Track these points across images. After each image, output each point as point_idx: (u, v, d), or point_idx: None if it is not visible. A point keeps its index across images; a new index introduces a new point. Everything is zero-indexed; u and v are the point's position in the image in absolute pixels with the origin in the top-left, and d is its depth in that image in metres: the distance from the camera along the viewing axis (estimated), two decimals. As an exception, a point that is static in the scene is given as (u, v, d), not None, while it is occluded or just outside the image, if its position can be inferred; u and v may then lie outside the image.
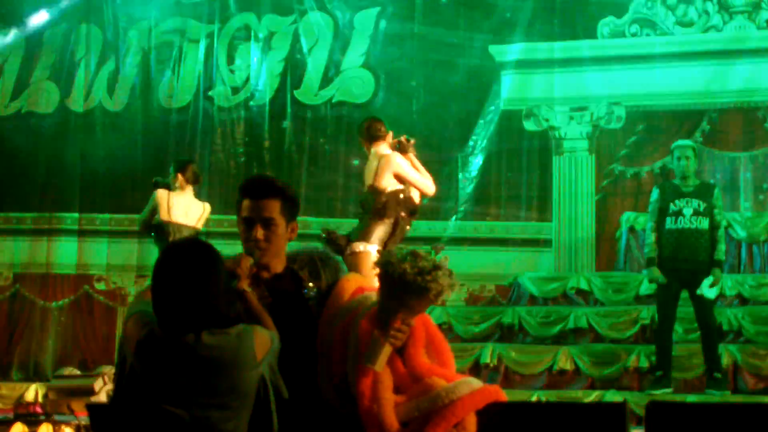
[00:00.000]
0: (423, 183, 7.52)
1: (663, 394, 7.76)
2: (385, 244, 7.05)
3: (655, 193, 8.17)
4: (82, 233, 11.28)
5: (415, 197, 7.49)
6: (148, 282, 10.97)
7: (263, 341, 3.26)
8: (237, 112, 11.45)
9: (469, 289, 10.68)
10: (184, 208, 8.44)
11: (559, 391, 8.53)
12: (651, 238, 8.05)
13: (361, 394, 3.51)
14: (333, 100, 11.36)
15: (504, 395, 3.70)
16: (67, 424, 7.46)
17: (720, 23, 10.77)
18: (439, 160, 11.05)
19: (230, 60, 11.53)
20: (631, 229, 10.35)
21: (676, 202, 7.93)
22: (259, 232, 3.61)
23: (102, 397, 8.41)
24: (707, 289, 7.81)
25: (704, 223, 7.87)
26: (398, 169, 7.41)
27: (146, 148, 11.33)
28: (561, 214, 10.86)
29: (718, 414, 3.75)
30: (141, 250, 11.19)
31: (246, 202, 3.65)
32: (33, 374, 10.81)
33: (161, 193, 8.39)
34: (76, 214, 11.30)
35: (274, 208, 3.64)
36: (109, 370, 8.88)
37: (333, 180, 11.32)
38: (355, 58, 11.42)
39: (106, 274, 11.25)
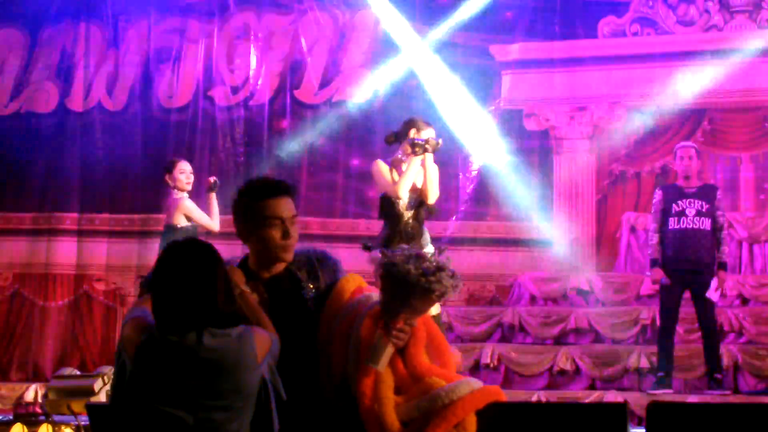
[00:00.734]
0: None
1: (664, 394, 7.76)
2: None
3: (657, 195, 8.18)
4: (81, 233, 11.27)
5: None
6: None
7: (263, 342, 3.26)
8: (237, 112, 11.44)
9: (469, 289, 10.67)
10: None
11: (559, 391, 8.53)
12: (654, 239, 8.07)
13: (362, 393, 3.51)
14: (333, 100, 11.35)
15: (504, 395, 3.70)
16: (67, 424, 7.45)
17: (721, 23, 10.76)
18: (439, 161, 11.03)
19: (230, 60, 11.52)
20: (632, 229, 10.35)
21: (679, 202, 7.95)
22: (293, 230, 3.64)
23: (102, 398, 8.40)
24: (712, 292, 7.82)
25: (707, 224, 7.89)
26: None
27: (146, 148, 11.31)
28: (561, 214, 10.86)
29: (719, 414, 3.75)
30: (141, 250, 11.18)
31: (269, 202, 3.64)
32: (33, 374, 10.79)
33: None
34: (76, 214, 11.29)
35: (293, 206, 3.69)
36: (109, 370, 8.87)
37: (333, 180, 11.31)
38: (355, 58, 11.41)
39: (105, 274, 11.24)
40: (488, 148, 10.99)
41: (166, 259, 3.26)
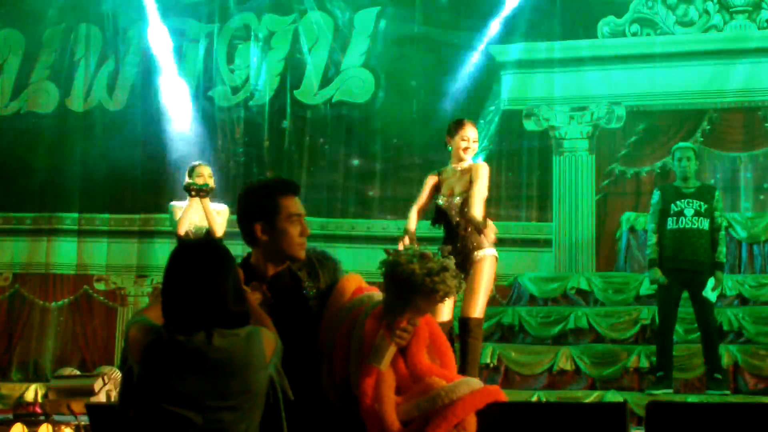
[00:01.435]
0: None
1: (663, 394, 7.76)
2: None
3: (656, 195, 8.19)
4: (81, 233, 11.27)
5: None
6: (148, 282, 11.03)
7: (270, 342, 3.26)
8: (237, 112, 11.45)
9: (469, 289, 10.65)
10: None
11: (559, 391, 8.53)
12: (652, 239, 8.07)
13: (363, 392, 3.51)
14: (333, 100, 11.35)
15: (504, 395, 3.70)
16: (67, 424, 7.45)
17: (720, 23, 10.76)
18: (439, 161, 11.03)
19: (230, 60, 11.53)
20: (631, 229, 10.34)
21: (677, 202, 7.96)
22: (306, 228, 3.71)
23: (102, 398, 8.40)
24: (709, 292, 7.83)
25: (705, 224, 7.89)
26: None
27: (146, 148, 11.32)
28: (561, 214, 10.86)
29: (718, 414, 3.75)
30: (141, 250, 11.20)
31: (290, 200, 3.69)
32: (33, 374, 10.80)
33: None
34: (76, 214, 11.29)
35: None
36: (109, 370, 8.88)
37: (333, 180, 11.31)
38: (355, 58, 11.41)
39: (105, 274, 11.24)
40: (488, 149, 10.99)
41: (177, 259, 3.26)
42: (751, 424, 3.62)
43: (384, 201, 11.16)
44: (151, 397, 3.11)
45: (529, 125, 11.02)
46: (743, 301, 9.38)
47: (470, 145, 6.80)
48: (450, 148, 6.84)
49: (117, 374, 8.71)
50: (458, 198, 6.66)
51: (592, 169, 10.90)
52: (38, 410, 8.92)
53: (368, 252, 10.11)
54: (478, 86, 11.08)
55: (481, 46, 11.11)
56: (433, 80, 11.19)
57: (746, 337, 8.82)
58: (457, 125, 6.89)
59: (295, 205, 3.70)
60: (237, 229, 3.79)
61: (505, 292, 10.38)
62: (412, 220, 6.78)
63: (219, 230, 8.13)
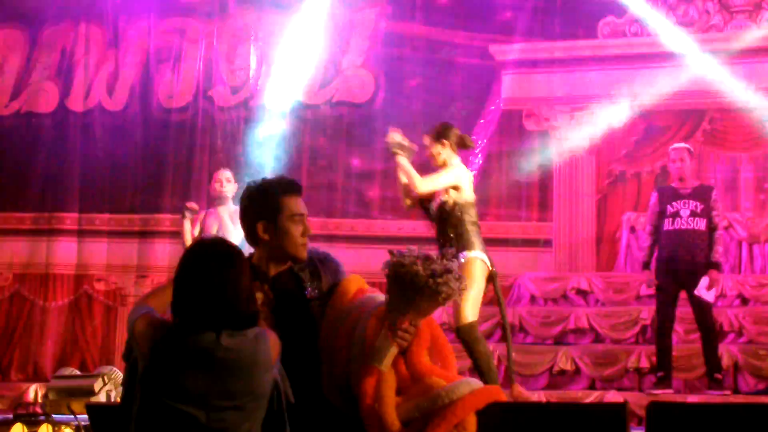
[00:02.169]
0: None
1: (664, 394, 7.76)
2: None
3: (653, 197, 8.23)
4: (81, 233, 11.27)
5: None
6: (148, 282, 11.01)
7: (276, 344, 3.27)
8: (237, 112, 11.45)
9: (469, 289, 10.66)
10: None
11: (559, 391, 8.53)
12: (647, 241, 8.13)
13: (363, 393, 3.51)
14: (333, 100, 11.35)
15: (504, 395, 3.70)
16: (67, 424, 7.45)
17: (721, 23, 10.76)
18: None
19: (230, 60, 11.53)
20: (632, 229, 10.35)
21: (674, 203, 7.98)
22: (309, 227, 3.72)
23: (102, 398, 8.40)
24: (705, 292, 7.82)
25: (701, 224, 7.91)
26: None
27: (146, 148, 11.32)
28: (561, 214, 10.86)
29: (719, 414, 3.75)
30: (141, 250, 11.19)
31: (294, 199, 3.71)
32: (33, 374, 10.79)
33: None
34: (76, 214, 11.29)
35: None
36: (109, 370, 8.87)
37: (333, 180, 11.31)
38: (355, 58, 11.41)
39: (105, 274, 11.24)
40: (488, 149, 10.99)
41: (192, 257, 3.25)
42: (751, 424, 3.62)
43: (384, 201, 11.16)
44: (156, 392, 3.11)
45: (529, 125, 11.02)
46: (743, 301, 9.39)
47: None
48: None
49: (117, 374, 8.71)
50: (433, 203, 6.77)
51: (592, 169, 10.90)
52: (38, 410, 8.92)
53: (368, 252, 10.10)
54: (478, 86, 11.08)
55: (482, 47, 11.10)
56: (433, 80, 11.19)
57: (747, 338, 8.82)
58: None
59: (297, 204, 3.71)
60: None
61: (505, 292, 10.37)
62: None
63: (236, 237, 8.14)
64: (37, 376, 10.61)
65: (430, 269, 3.54)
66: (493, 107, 11.06)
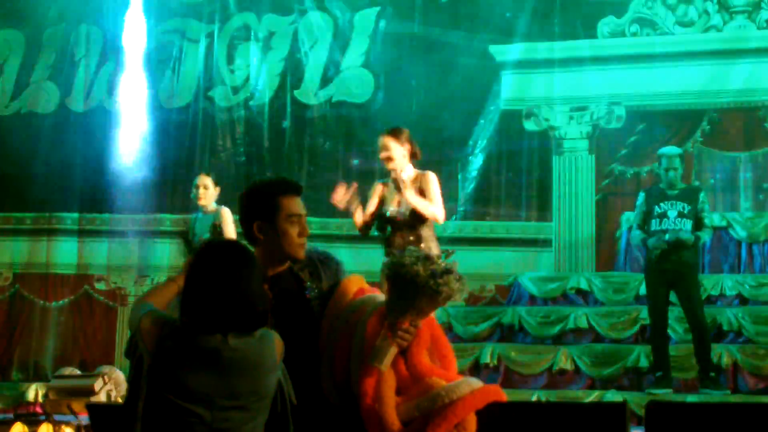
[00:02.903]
0: None
1: (663, 394, 7.77)
2: None
3: (641, 197, 8.30)
4: (82, 233, 11.27)
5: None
6: (148, 282, 11.02)
7: (280, 345, 3.28)
8: (237, 112, 11.45)
9: (469, 289, 10.67)
10: None
11: (559, 391, 8.53)
12: (637, 239, 8.18)
13: (364, 392, 3.52)
14: (333, 100, 11.36)
15: (504, 395, 3.71)
16: (67, 424, 7.45)
17: (720, 23, 10.76)
18: (439, 160, 11.03)
19: (230, 60, 11.53)
20: (631, 229, 10.34)
21: (661, 204, 8.03)
22: (307, 229, 3.73)
23: (102, 397, 8.40)
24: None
25: (688, 225, 7.94)
26: None
27: (146, 148, 11.31)
28: (561, 214, 10.85)
29: (718, 414, 3.75)
30: (141, 250, 11.20)
31: (291, 199, 3.71)
32: (33, 374, 10.80)
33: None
34: (76, 214, 11.29)
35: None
36: (109, 370, 8.88)
37: (333, 180, 11.29)
38: (355, 58, 11.41)
39: (106, 274, 11.24)
40: (488, 149, 10.99)
41: (204, 258, 3.25)
42: (751, 424, 3.62)
43: (384, 201, 11.15)
44: (161, 390, 3.12)
45: (529, 125, 11.02)
46: (743, 301, 9.39)
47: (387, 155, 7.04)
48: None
49: (117, 374, 8.72)
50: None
51: (592, 169, 10.89)
52: (38, 410, 8.93)
53: (368, 252, 10.09)
54: (478, 86, 11.07)
55: (481, 47, 11.10)
56: (433, 80, 11.19)
57: (746, 337, 8.82)
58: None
59: (295, 205, 3.71)
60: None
61: (505, 292, 10.39)
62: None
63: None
64: (37, 376, 10.61)
65: (430, 269, 3.56)
66: (493, 107, 11.06)
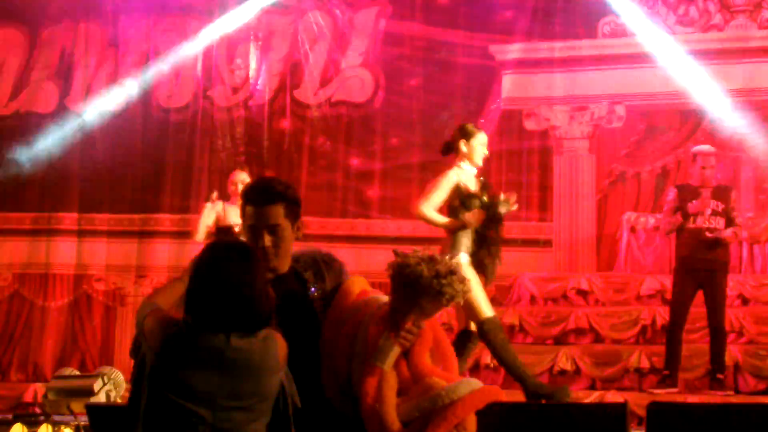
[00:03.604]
0: None
1: (667, 393, 7.77)
2: None
3: (671, 193, 8.26)
4: (81, 233, 11.26)
5: None
6: (147, 282, 11.01)
7: (283, 346, 3.27)
8: (237, 112, 11.44)
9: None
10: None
11: (560, 392, 8.52)
12: (672, 225, 8.08)
13: (365, 392, 3.52)
14: (332, 100, 11.35)
15: (504, 395, 3.70)
16: (67, 424, 7.45)
17: (720, 23, 10.75)
18: (439, 160, 11.01)
19: (230, 60, 11.52)
20: (632, 229, 10.34)
21: (695, 202, 7.97)
22: (267, 239, 3.61)
23: (102, 398, 8.40)
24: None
25: (721, 224, 7.93)
26: None
27: (146, 148, 11.31)
28: (561, 214, 10.85)
29: (719, 414, 3.74)
30: (141, 250, 11.19)
31: (249, 210, 3.64)
32: (32, 374, 10.79)
33: None
34: (76, 214, 11.28)
35: (278, 214, 3.62)
36: (109, 370, 8.87)
37: (333, 180, 11.30)
38: (355, 58, 11.41)
39: (105, 274, 11.23)
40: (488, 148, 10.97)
41: (208, 257, 3.23)
42: (751, 424, 3.62)
43: (384, 201, 11.16)
44: (164, 389, 3.11)
45: (529, 125, 11.01)
46: (744, 301, 9.38)
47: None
48: (466, 150, 6.72)
49: (117, 374, 8.72)
50: None
51: (592, 169, 10.89)
52: (38, 410, 8.92)
53: (368, 252, 10.10)
54: (478, 86, 11.07)
55: (482, 47, 11.09)
56: (433, 80, 11.18)
57: (747, 338, 8.82)
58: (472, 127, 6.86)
59: (252, 214, 3.63)
60: None
61: (505, 292, 10.38)
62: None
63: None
64: (37, 376, 10.61)
65: (434, 270, 3.55)
66: (493, 107, 11.05)
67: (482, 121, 11.01)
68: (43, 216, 11.28)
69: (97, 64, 11.58)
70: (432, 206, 6.55)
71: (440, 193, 6.57)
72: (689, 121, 10.74)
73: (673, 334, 8.06)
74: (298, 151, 11.31)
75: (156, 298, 3.41)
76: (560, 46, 10.99)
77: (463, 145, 6.71)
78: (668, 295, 8.59)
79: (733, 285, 9.30)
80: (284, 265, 3.71)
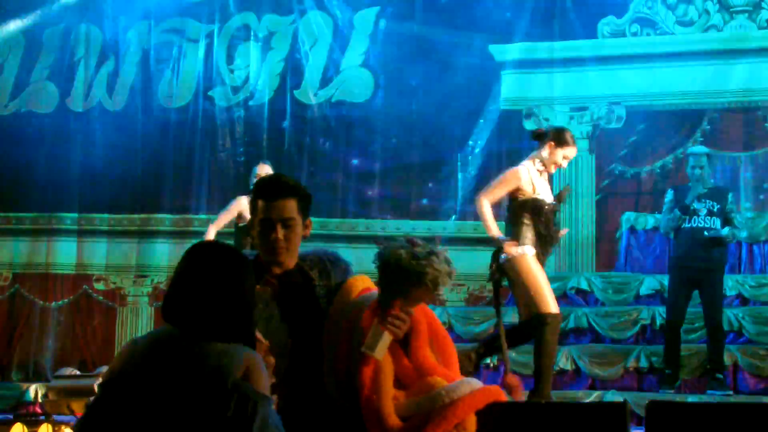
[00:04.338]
0: None
1: (665, 394, 7.78)
2: None
3: (669, 194, 8.30)
4: (81, 233, 11.27)
5: None
6: (147, 282, 11.02)
7: (250, 364, 2.98)
8: (237, 112, 11.45)
9: (469, 289, 10.67)
10: None
11: (559, 392, 8.53)
12: (674, 221, 8.10)
13: (361, 384, 3.53)
14: (332, 100, 11.35)
15: (504, 395, 3.71)
16: (67, 424, 7.45)
17: (720, 23, 10.75)
18: (439, 160, 11.04)
19: (230, 60, 11.53)
20: (632, 229, 10.35)
21: (692, 202, 8.02)
22: (280, 233, 3.64)
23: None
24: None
25: (717, 223, 7.97)
26: None
27: (146, 148, 11.32)
28: (561, 214, 10.83)
29: (719, 414, 3.74)
30: (140, 250, 11.19)
31: (262, 204, 3.67)
32: (33, 374, 10.79)
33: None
34: (76, 214, 11.29)
35: (292, 208, 3.68)
36: (109, 370, 8.86)
37: (333, 180, 11.31)
38: (355, 58, 11.41)
39: (105, 274, 11.24)
40: (488, 149, 10.99)
41: (191, 260, 3.02)
42: (751, 424, 3.62)
43: (384, 201, 11.16)
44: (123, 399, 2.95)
45: (529, 125, 11.01)
46: (743, 301, 9.39)
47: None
48: (546, 153, 6.69)
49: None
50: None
51: (592, 169, 10.89)
52: (38, 410, 8.93)
53: (368, 252, 10.08)
54: (478, 86, 11.07)
55: (482, 47, 11.10)
56: (433, 80, 11.18)
57: (747, 337, 8.83)
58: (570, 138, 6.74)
59: (265, 208, 3.67)
60: None
61: (505, 293, 10.37)
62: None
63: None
64: (37, 376, 10.61)
65: (411, 252, 3.59)
66: (493, 107, 11.06)
67: (482, 121, 11.03)
68: (43, 216, 11.28)
69: (97, 64, 11.58)
70: (492, 199, 6.66)
71: (503, 187, 6.65)
72: (689, 121, 10.75)
73: (670, 333, 8.09)
74: (298, 151, 11.32)
75: None
76: (560, 46, 10.99)
77: (548, 147, 6.67)
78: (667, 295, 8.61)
79: (732, 285, 9.31)
80: (292, 261, 3.73)
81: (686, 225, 8.04)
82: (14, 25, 11.36)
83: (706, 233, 7.93)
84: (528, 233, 6.51)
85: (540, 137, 6.77)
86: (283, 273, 3.70)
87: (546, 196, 6.70)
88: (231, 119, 11.43)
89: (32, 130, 11.44)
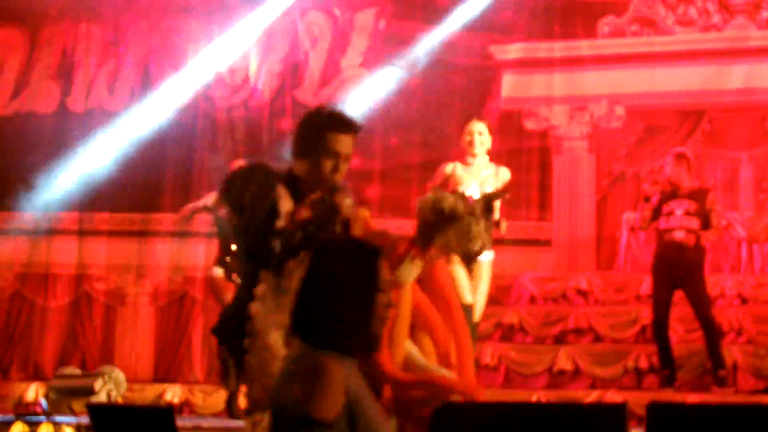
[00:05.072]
0: None
1: (669, 393, 7.80)
2: None
3: (655, 196, 8.32)
4: (81, 233, 11.26)
5: None
6: (147, 282, 11.01)
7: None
8: (237, 112, 11.44)
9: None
10: None
11: (559, 391, 8.54)
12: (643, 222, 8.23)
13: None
14: (333, 100, 11.34)
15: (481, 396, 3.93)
16: (67, 424, 7.46)
17: (720, 23, 10.76)
18: (439, 160, 11.02)
19: (230, 60, 11.52)
20: (631, 229, 10.35)
21: (670, 203, 8.12)
22: (343, 167, 3.89)
23: (102, 397, 8.41)
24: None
25: (695, 223, 8.00)
26: None
27: (146, 148, 11.31)
28: (561, 214, 10.85)
29: (719, 414, 3.74)
30: (141, 250, 11.19)
31: (334, 137, 3.86)
32: (33, 374, 10.80)
33: None
34: (76, 214, 11.28)
35: (352, 145, 3.97)
36: (110, 369, 8.89)
37: (333, 180, 11.30)
38: (355, 58, 11.41)
39: (105, 274, 11.23)
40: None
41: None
42: (751, 424, 3.62)
43: (384, 201, 11.16)
44: None
45: (529, 125, 11.01)
46: (743, 300, 9.40)
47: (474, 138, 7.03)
48: None
49: (118, 374, 8.73)
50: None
51: (591, 169, 10.90)
52: (38, 410, 8.94)
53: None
54: (478, 86, 11.07)
55: (481, 46, 11.09)
56: (433, 80, 11.18)
57: (746, 337, 8.83)
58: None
59: (341, 141, 3.86)
60: None
61: (505, 292, 10.38)
62: None
63: None
64: (37, 376, 10.61)
65: (470, 207, 4.18)
66: (493, 107, 11.05)
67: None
68: (43, 216, 11.28)
69: (98, 64, 11.59)
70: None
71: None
72: (688, 121, 10.75)
73: (658, 334, 8.14)
74: (298, 151, 11.30)
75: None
76: (560, 46, 10.99)
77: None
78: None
79: (732, 284, 9.33)
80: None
81: (664, 225, 8.13)
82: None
83: (676, 236, 7.97)
84: None
85: None
86: (319, 197, 3.80)
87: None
88: (231, 119, 11.42)
89: (32, 130, 11.43)
